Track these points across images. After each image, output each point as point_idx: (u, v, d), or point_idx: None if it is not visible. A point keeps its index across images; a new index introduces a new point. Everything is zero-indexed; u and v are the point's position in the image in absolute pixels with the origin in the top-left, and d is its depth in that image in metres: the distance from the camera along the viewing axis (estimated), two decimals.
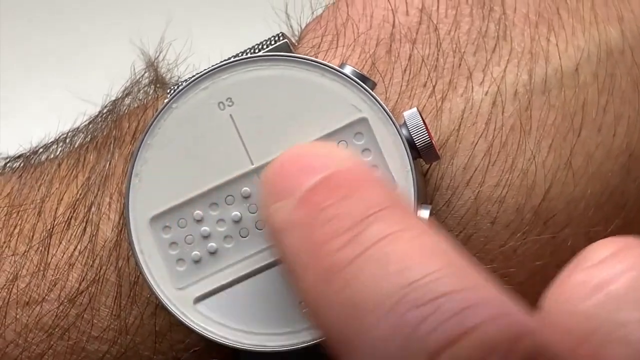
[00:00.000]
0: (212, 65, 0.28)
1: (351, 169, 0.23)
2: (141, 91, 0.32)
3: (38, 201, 0.30)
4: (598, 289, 0.22)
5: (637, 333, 0.21)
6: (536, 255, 0.29)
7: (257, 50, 0.28)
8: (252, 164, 0.27)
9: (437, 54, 0.29)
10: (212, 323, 0.27)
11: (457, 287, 0.21)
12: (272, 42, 0.29)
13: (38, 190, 0.30)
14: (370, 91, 0.27)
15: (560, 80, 0.29)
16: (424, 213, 0.26)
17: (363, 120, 0.27)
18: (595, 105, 0.29)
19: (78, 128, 0.33)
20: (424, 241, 0.22)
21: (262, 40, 0.29)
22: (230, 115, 0.27)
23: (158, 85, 0.33)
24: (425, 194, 0.28)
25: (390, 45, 0.29)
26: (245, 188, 0.27)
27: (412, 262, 0.21)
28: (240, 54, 0.28)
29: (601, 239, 0.29)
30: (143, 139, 0.27)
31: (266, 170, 0.24)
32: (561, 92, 0.29)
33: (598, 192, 0.29)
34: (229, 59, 0.28)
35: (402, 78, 0.29)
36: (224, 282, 0.27)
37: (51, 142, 0.33)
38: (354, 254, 0.22)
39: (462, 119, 0.28)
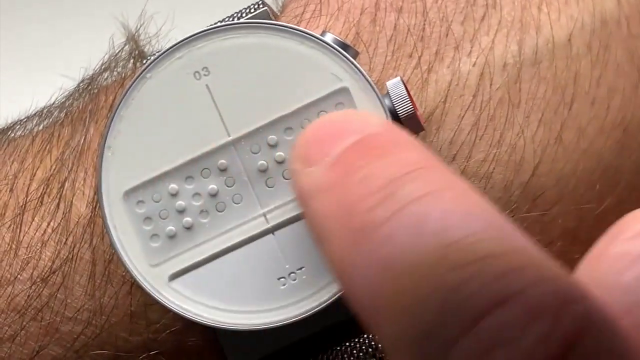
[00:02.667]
0: (188, 34, 0.26)
1: (385, 131, 0.22)
2: (120, 65, 0.31)
3: (10, 177, 0.29)
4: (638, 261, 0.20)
5: None
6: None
7: (235, 19, 0.27)
8: (229, 136, 0.26)
9: (424, 24, 0.28)
10: (188, 301, 0.26)
11: (500, 250, 0.19)
12: (252, 10, 0.28)
13: (11, 165, 0.29)
14: (352, 59, 0.26)
15: (551, 51, 0.28)
16: None
17: (344, 90, 0.26)
18: (588, 78, 0.28)
19: (54, 103, 0.32)
20: (464, 201, 0.20)
21: (241, 9, 0.28)
22: (207, 85, 0.26)
23: (138, 59, 0.32)
24: None
25: (375, 14, 0.28)
26: (222, 161, 0.26)
27: (452, 222, 0.20)
28: (217, 23, 0.27)
29: (594, 217, 0.29)
30: (116, 111, 0.26)
31: (297, 138, 0.23)
32: (552, 64, 0.28)
33: (590, 168, 0.28)
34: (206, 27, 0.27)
35: (387, 48, 0.28)
36: (199, 258, 0.26)
37: (26, 117, 0.32)
38: (388, 212, 0.20)
39: (448, 91, 0.27)
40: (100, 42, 0.32)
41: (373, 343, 0.26)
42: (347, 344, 0.27)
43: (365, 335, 0.26)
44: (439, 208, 0.20)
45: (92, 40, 0.34)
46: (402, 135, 0.22)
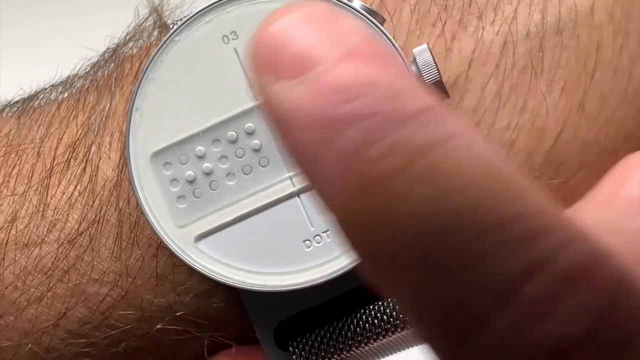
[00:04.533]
0: None
1: (377, 48, 0.19)
2: (144, 35, 0.32)
3: (37, 141, 0.29)
4: None
5: None
6: None
7: None
8: (257, 100, 0.26)
9: None
10: (214, 262, 0.26)
11: (523, 211, 0.17)
12: None
13: (37, 130, 0.30)
14: (380, 26, 0.26)
15: (574, 19, 0.28)
16: None
17: None
18: (611, 47, 0.28)
19: (78, 73, 0.32)
20: (477, 152, 0.18)
21: None
22: (235, 49, 0.26)
23: (161, 30, 0.32)
24: None
25: None
26: (249, 124, 0.26)
27: (470, 179, 0.17)
28: None
29: None
30: (144, 73, 0.27)
31: (263, 28, 0.19)
32: (575, 33, 0.28)
33: (612, 136, 0.28)
34: None
35: (411, 17, 0.28)
36: (226, 220, 0.26)
37: (51, 86, 0.32)
38: (401, 163, 0.17)
39: (472, 59, 0.28)
40: (124, 13, 0.33)
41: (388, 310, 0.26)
42: (371, 307, 0.27)
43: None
44: (454, 163, 0.18)
45: (116, 11, 0.34)
46: (395, 57, 0.20)
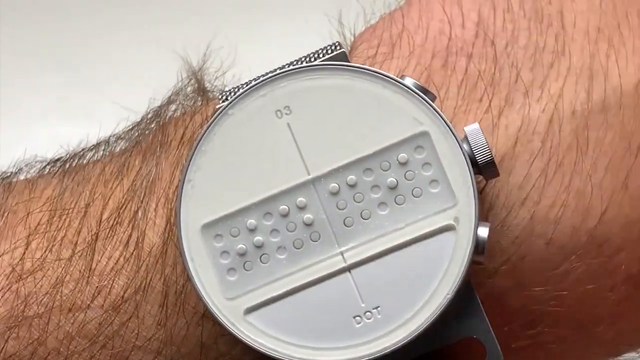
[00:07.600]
0: (270, 72, 0.27)
1: None
2: (187, 98, 0.32)
3: (82, 205, 0.29)
4: None
5: None
6: (589, 278, 0.28)
7: (312, 59, 0.28)
8: (309, 174, 0.26)
9: (494, 69, 0.29)
10: (263, 335, 0.26)
11: None
12: (329, 52, 0.28)
13: (81, 194, 0.30)
14: (432, 104, 0.26)
15: (619, 99, 0.28)
16: (483, 231, 0.26)
17: (424, 134, 0.26)
18: None
19: (120, 134, 0.32)
20: None
21: (317, 49, 0.28)
22: (288, 123, 0.27)
23: (202, 94, 0.32)
24: (483, 211, 0.27)
25: (446, 59, 0.29)
26: (300, 198, 0.26)
27: None
28: (295, 62, 0.28)
29: None
30: (197, 145, 0.27)
31: None
32: (620, 112, 0.28)
33: None
34: (287, 66, 0.27)
35: (458, 92, 0.29)
36: (275, 293, 0.26)
37: (92, 146, 0.32)
38: None
39: (518, 136, 0.28)
40: (164, 75, 0.33)
41: None
42: None
43: None
44: None
45: (156, 73, 0.35)
46: None
